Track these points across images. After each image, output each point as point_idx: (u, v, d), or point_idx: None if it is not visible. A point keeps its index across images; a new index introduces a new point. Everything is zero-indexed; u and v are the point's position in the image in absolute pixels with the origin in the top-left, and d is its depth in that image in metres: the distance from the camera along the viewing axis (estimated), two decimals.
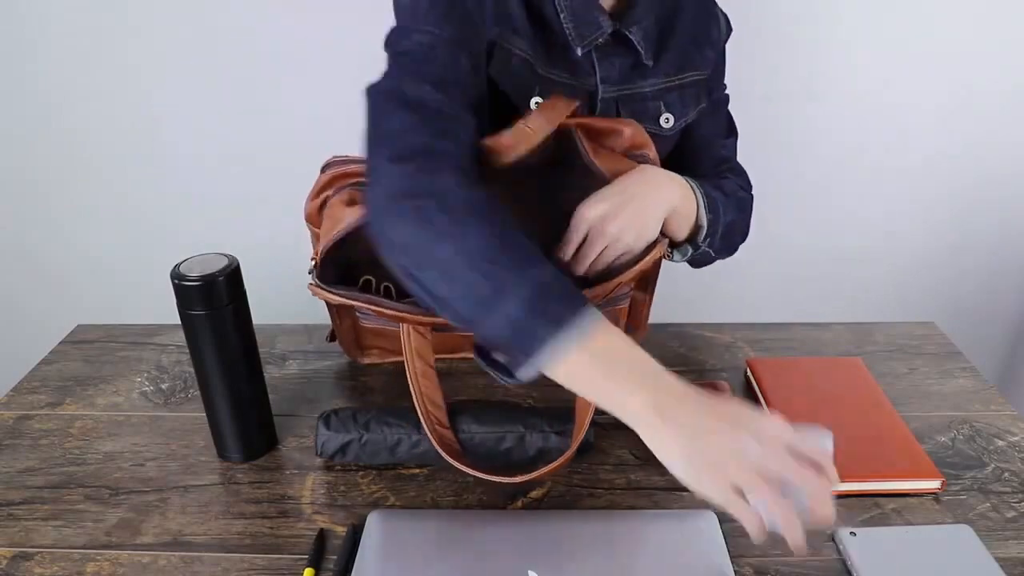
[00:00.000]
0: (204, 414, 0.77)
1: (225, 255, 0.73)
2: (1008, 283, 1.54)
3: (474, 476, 0.70)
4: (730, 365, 0.93)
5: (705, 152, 0.95)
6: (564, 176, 0.81)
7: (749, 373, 0.88)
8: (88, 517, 0.71)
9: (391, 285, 0.79)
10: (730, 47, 0.95)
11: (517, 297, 0.56)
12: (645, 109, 0.86)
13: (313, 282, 0.78)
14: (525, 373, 0.58)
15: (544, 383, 0.88)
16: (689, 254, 0.85)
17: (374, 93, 0.69)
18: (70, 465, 0.78)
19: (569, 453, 0.71)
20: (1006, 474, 0.75)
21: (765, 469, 0.52)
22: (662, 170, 0.80)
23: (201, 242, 0.92)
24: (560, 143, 0.79)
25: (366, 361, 0.92)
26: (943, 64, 1.32)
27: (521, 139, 0.73)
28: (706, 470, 0.52)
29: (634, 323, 0.93)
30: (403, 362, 0.77)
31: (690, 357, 0.94)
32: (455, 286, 0.58)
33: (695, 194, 0.82)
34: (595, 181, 0.77)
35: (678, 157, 0.93)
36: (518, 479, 0.70)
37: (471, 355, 0.91)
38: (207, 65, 1.31)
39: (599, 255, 0.75)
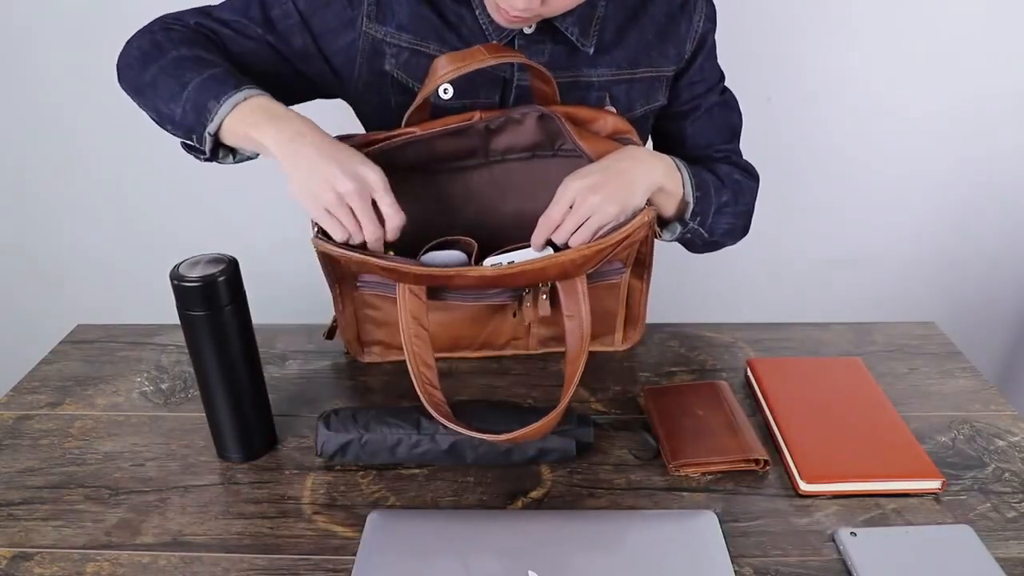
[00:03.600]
0: (204, 414, 0.77)
1: (225, 255, 0.73)
2: (1008, 283, 1.54)
3: (467, 435, 0.71)
4: (730, 365, 0.92)
5: (700, 159, 0.93)
6: (550, 161, 0.83)
7: (749, 373, 0.88)
8: (88, 517, 0.71)
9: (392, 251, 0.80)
10: (731, 47, 0.95)
11: (194, 84, 0.75)
12: (587, 98, 0.87)
13: (316, 236, 0.76)
14: (205, 144, 0.76)
15: (544, 383, 0.88)
16: (678, 232, 0.85)
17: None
18: (70, 465, 0.78)
19: (559, 409, 0.72)
20: (1006, 474, 0.75)
21: (350, 201, 0.71)
22: (647, 149, 0.82)
23: (201, 242, 0.92)
24: (545, 129, 0.81)
25: (367, 359, 0.92)
26: (944, 65, 1.32)
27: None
28: (306, 192, 0.72)
29: (631, 317, 0.93)
30: (403, 361, 0.77)
31: (690, 357, 0.94)
32: (159, 93, 0.78)
33: (681, 172, 0.83)
34: (580, 164, 0.79)
35: (662, 138, 0.95)
36: (503, 437, 0.70)
37: (471, 355, 0.92)
38: None
39: (582, 225, 0.76)
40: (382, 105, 0.88)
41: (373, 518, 0.69)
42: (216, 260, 0.72)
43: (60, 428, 0.83)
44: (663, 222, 0.86)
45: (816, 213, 1.47)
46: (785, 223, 1.46)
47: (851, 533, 0.67)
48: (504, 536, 0.65)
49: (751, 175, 0.95)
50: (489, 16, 0.83)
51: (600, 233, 0.76)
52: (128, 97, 0.85)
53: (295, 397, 0.88)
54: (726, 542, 0.66)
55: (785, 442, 0.76)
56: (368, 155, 0.77)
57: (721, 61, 0.96)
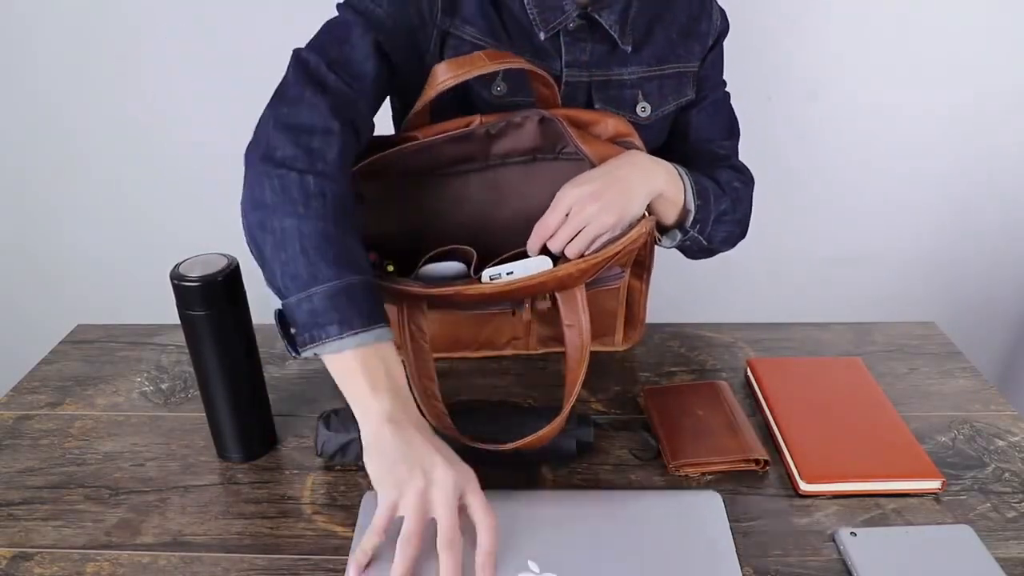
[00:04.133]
0: (204, 414, 0.77)
1: (225, 255, 0.73)
2: (1008, 283, 1.54)
3: (468, 446, 0.71)
4: (730, 365, 0.92)
5: (702, 153, 0.94)
6: (551, 164, 0.83)
7: (749, 373, 0.88)
8: (88, 517, 0.71)
9: (392, 265, 0.80)
10: (731, 47, 0.95)
11: (324, 289, 0.65)
12: (621, 96, 0.87)
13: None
14: (304, 352, 0.67)
15: (544, 383, 0.88)
16: (678, 239, 0.85)
17: (296, 58, 0.77)
18: (70, 465, 0.78)
19: (561, 417, 0.72)
20: (1006, 474, 0.75)
21: (427, 507, 0.61)
22: (648, 155, 0.81)
23: (201, 242, 0.92)
24: (546, 133, 0.81)
25: None
26: (944, 64, 1.32)
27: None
28: (386, 485, 0.61)
29: (632, 317, 0.93)
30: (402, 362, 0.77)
31: (690, 357, 0.94)
32: (280, 255, 0.66)
33: (682, 180, 0.83)
34: (582, 167, 0.79)
35: (674, 157, 0.93)
36: (507, 447, 0.71)
37: (471, 354, 0.92)
38: (207, 64, 1.31)
39: (579, 234, 0.75)
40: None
41: (367, 499, 0.69)
42: (216, 260, 0.72)
43: (60, 428, 0.83)
44: (663, 228, 0.86)
45: (816, 212, 1.47)
46: (785, 222, 1.46)
47: (851, 533, 0.67)
48: (504, 520, 0.64)
49: (748, 181, 0.95)
50: (536, 8, 0.82)
51: (595, 245, 0.76)
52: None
53: (295, 397, 0.88)
54: (729, 522, 0.66)
55: (785, 442, 0.77)
56: (375, 163, 0.77)
57: (723, 60, 0.96)
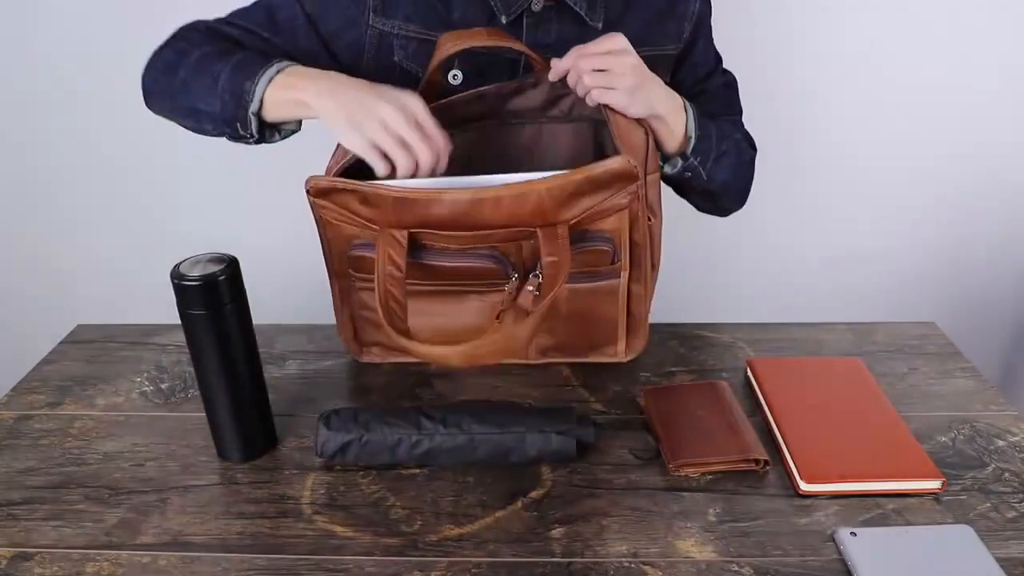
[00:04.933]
0: (204, 414, 0.77)
1: (225, 255, 0.73)
2: (1008, 283, 1.54)
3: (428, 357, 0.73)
4: (730, 365, 0.92)
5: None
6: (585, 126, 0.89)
7: (749, 373, 0.88)
8: (88, 517, 0.71)
9: None
10: (730, 47, 0.95)
11: (225, 73, 0.77)
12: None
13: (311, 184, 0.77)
14: (251, 126, 0.78)
15: (545, 384, 0.88)
16: (680, 165, 0.86)
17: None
18: (70, 465, 0.78)
19: (531, 324, 0.73)
20: (1006, 474, 0.75)
21: (395, 132, 0.71)
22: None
23: (201, 242, 0.92)
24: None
25: (365, 359, 0.92)
26: (943, 64, 1.32)
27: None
28: (351, 131, 0.71)
29: (633, 325, 0.89)
30: (404, 363, 0.77)
31: (690, 357, 0.94)
32: (192, 93, 0.80)
33: (686, 112, 0.84)
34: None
35: None
36: (468, 347, 0.70)
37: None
38: None
39: (604, 73, 0.77)
40: None
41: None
42: (216, 259, 0.72)
43: (60, 428, 0.83)
44: (664, 157, 0.87)
45: (816, 212, 1.47)
46: (785, 222, 1.46)
47: (851, 533, 0.67)
48: None
49: (751, 144, 0.97)
50: None
51: (605, 97, 0.77)
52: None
53: (295, 397, 0.88)
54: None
55: (785, 442, 0.76)
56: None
57: (723, 60, 0.96)
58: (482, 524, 0.70)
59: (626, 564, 0.65)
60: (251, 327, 0.75)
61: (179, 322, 0.72)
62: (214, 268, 0.71)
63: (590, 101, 0.79)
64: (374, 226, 0.78)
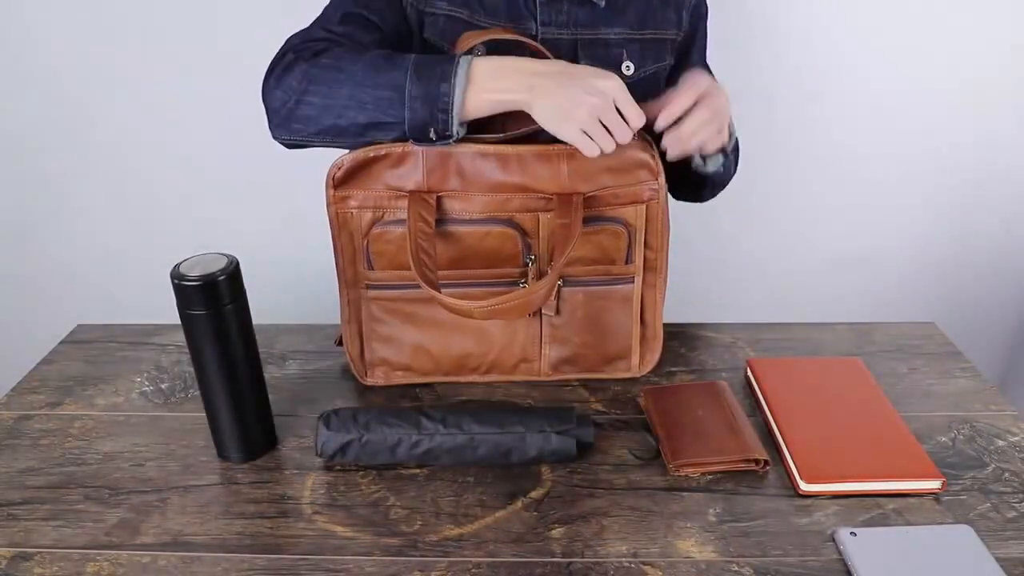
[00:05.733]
0: (204, 414, 0.77)
1: (225, 255, 0.73)
2: (1008, 283, 1.54)
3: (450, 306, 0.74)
4: (730, 365, 0.92)
5: None
6: None
7: (749, 373, 0.88)
8: (88, 517, 0.71)
9: None
10: (730, 47, 0.95)
11: (409, 80, 0.74)
12: (608, 55, 0.90)
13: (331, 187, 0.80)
14: (452, 126, 0.75)
15: (545, 384, 0.88)
16: (721, 162, 0.87)
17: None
18: (70, 465, 0.78)
19: (546, 284, 0.75)
20: (1006, 474, 0.75)
21: (601, 119, 0.73)
22: None
23: (201, 242, 0.92)
24: None
25: (369, 382, 0.89)
26: (943, 64, 1.32)
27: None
28: (562, 123, 0.73)
29: (647, 335, 0.89)
30: (407, 384, 0.82)
31: (690, 357, 0.94)
32: (369, 107, 0.76)
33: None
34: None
35: None
36: (488, 303, 0.73)
37: (478, 379, 0.90)
38: (208, 64, 1.31)
39: (691, 126, 0.77)
40: None
41: None
42: (217, 259, 0.72)
43: (60, 428, 0.83)
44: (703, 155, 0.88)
45: (816, 213, 1.47)
46: (785, 222, 1.46)
47: (851, 533, 0.67)
48: None
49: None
50: None
51: (710, 144, 0.80)
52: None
53: (295, 397, 0.88)
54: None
55: (785, 442, 0.77)
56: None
57: (723, 61, 0.96)
58: (482, 524, 0.70)
59: (626, 564, 0.65)
60: (251, 327, 0.75)
61: (179, 322, 0.72)
62: (214, 268, 0.71)
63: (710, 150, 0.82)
64: (404, 191, 0.80)
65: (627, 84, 0.84)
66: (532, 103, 0.74)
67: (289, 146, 0.83)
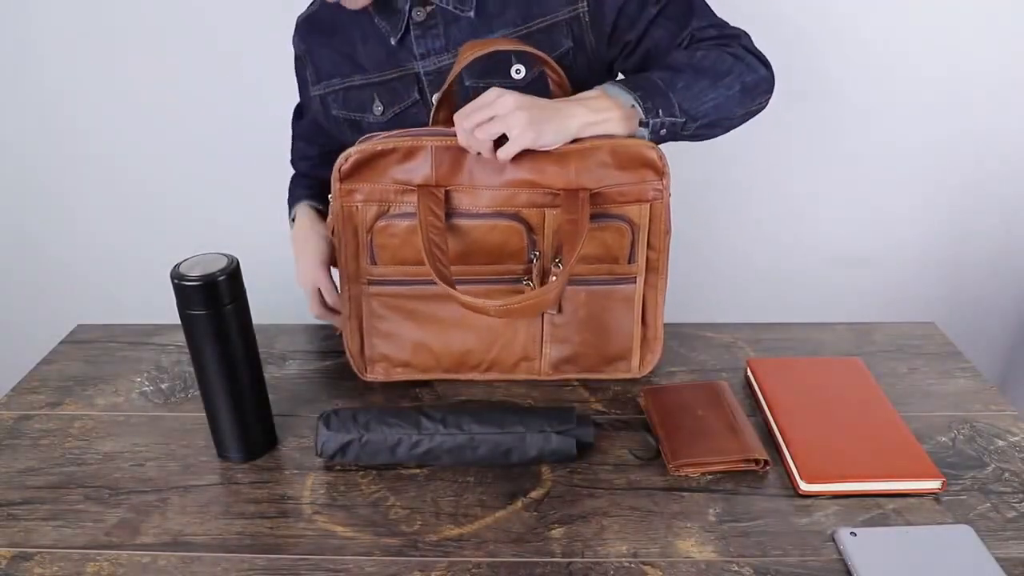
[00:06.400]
0: (204, 414, 0.77)
1: (225, 255, 0.73)
2: (1008, 283, 1.54)
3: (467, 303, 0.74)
4: (730, 365, 0.92)
5: (668, 55, 0.89)
6: None
7: (749, 373, 0.88)
8: (88, 517, 0.71)
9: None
10: None
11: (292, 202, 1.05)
12: (494, 66, 0.88)
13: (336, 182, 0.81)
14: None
15: (544, 384, 0.88)
16: (647, 133, 0.81)
17: None
18: (70, 465, 0.78)
19: (559, 285, 0.76)
20: (1006, 474, 0.75)
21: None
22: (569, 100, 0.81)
23: (201, 242, 0.92)
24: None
25: (369, 377, 0.89)
26: (942, 64, 1.32)
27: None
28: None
29: (648, 336, 0.89)
30: (407, 381, 0.83)
31: (690, 357, 0.94)
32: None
33: (605, 89, 0.80)
34: None
35: (642, 68, 0.89)
36: (503, 302, 0.73)
37: (478, 377, 0.90)
38: (208, 65, 1.31)
39: (486, 122, 0.75)
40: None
41: None
42: (217, 259, 0.72)
43: (60, 428, 0.83)
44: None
45: (816, 213, 1.47)
46: (785, 222, 1.46)
47: (851, 533, 0.67)
48: None
49: (726, 39, 0.88)
50: (384, 21, 0.89)
51: (514, 147, 0.76)
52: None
53: (295, 397, 0.88)
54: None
55: (785, 442, 0.77)
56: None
57: None
58: (482, 524, 0.70)
59: (626, 564, 0.65)
60: (251, 327, 0.75)
61: (179, 322, 0.72)
62: (214, 268, 0.71)
63: (502, 158, 0.77)
64: (412, 186, 0.80)
65: (519, 88, 0.83)
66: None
67: None
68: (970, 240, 1.49)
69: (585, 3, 0.88)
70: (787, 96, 1.35)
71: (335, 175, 0.81)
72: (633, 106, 0.80)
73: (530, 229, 0.82)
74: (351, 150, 0.80)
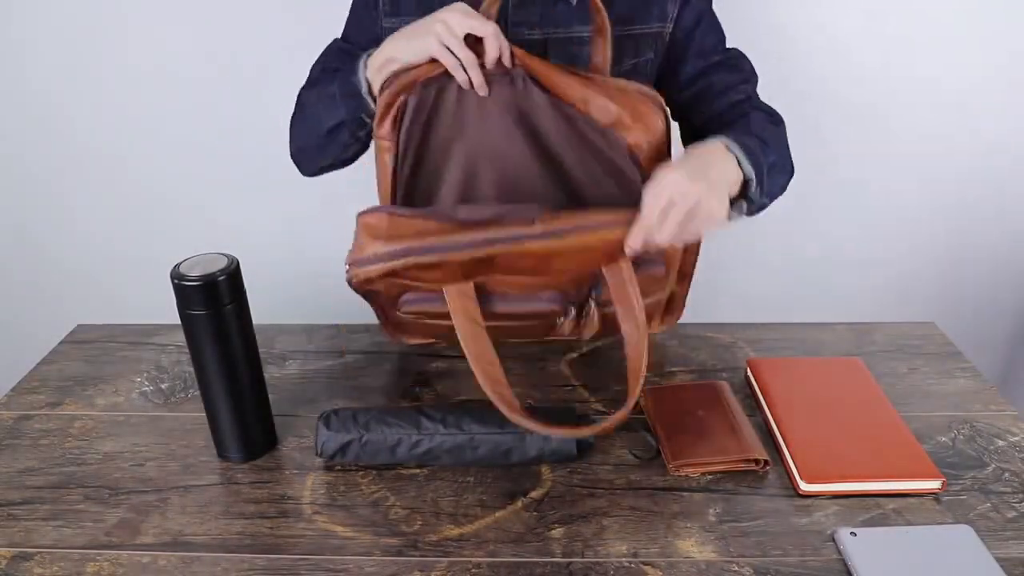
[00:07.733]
0: (204, 414, 0.77)
1: (225, 255, 0.73)
2: (1008, 283, 1.54)
3: (541, 432, 0.71)
4: (730, 365, 0.92)
5: (719, 98, 0.93)
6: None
7: (749, 373, 0.88)
8: (88, 517, 0.71)
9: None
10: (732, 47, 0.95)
11: (335, 87, 0.86)
12: (579, 53, 0.88)
13: (350, 270, 0.77)
14: (374, 107, 0.83)
15: (544, 384, 0.88)
16: (745, 209, 0.83)
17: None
18: (70, 465, 0.78)
19: (622, 413, 0.72)
20: (1006, 474, 0.75)
21: (450, 33, 0.77)
22: (706, 146, 0.79)
23: (201, 242, 0.92)
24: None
25: (411, 341, 0.94)
26: (942, 64, 1.32)
27: None
28: (416, 43, 0.78)
29: (671, 306, 0.92)
30: (431, 342, 0.83)
31: (690, 357, 0.94)
32: (324, 120, 0.88)
33: (731, 151, 0.79)
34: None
35: (691, 103, 0.93)
36: (584, 431, 0.72)
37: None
38: (209, 64, 1.31)
39: (680, 223, 0.72)
40: None
41: None
42: (217, 259, 0.72)
43: (60, 428, 0.83)
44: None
45: (816, 213, 1.47)
46: (786, 222, 1.45)
47: (851, 533, 0.67)
48: None
49: (778, 120, 0.94)
50: None
51: (705, 232, 0.75)
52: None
53: (295, 397, 0.88)
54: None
55: (785, 442, 0.77)
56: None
57: None
58: (482, 524, 0.70)
59: (626, 564, 0.65)
60: (251, 327, 0.75)
61: (179, 322, 0.72)
62: (214, 268, 0.71)
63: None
64: (437, 287, 0.77)
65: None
66: (391, 48, 0.80)
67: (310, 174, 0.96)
68: (970, 240, 1.49)
69: (667, 24, 0.90)
70: (788, 96, 1.35)
71: (350, 279, 0.77)
72: (749, 179, 0.80)
73: (566, 295, 0.81)
74: (363, 272, 0.75)
